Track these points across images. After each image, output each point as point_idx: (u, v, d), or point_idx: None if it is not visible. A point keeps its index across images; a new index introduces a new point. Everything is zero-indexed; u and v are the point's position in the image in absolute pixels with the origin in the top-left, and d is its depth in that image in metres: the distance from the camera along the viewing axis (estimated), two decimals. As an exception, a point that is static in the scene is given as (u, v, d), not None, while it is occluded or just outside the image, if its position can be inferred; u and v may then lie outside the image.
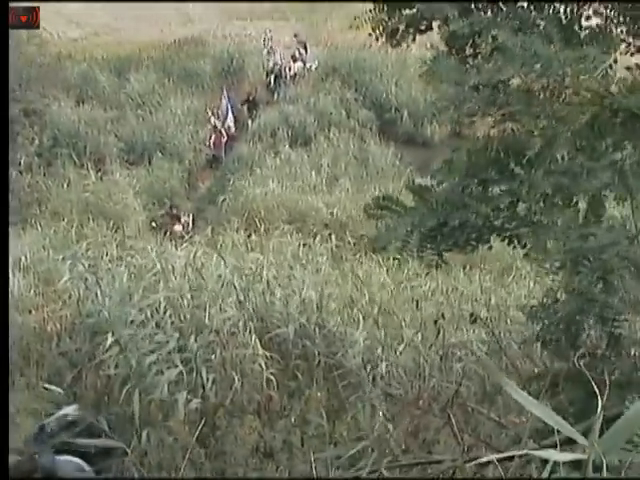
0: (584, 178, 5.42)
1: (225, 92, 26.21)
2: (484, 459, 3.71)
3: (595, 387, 2.69)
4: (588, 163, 5.41)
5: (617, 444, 2.33)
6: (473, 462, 4.72)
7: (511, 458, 3.80)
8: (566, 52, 5.51)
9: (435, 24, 6.26)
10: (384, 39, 6.51)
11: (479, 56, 5.96)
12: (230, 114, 25.77)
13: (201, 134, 25.21)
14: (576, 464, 2.32)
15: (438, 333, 9.18)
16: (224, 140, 25.13)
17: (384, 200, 6.34)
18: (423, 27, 6.35)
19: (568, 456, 2.34)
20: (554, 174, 5.69)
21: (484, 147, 5.91)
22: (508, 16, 5.90)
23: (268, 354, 9.90)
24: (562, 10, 5.95)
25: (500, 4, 6.11)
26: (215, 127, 25.24)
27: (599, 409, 2.40)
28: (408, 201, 6.55)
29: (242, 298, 10.89)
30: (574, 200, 5.77)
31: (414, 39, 6.47)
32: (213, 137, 25.14)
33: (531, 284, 13.79)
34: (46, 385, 8.74)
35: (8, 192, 4.68)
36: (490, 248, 6.25)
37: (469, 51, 6.09)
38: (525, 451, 2.94)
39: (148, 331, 9.90)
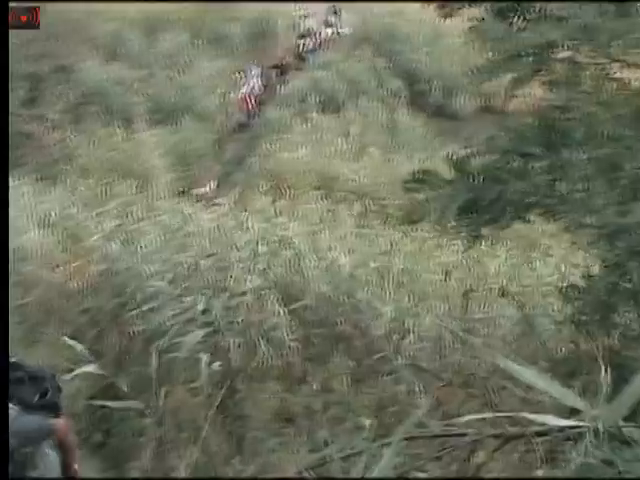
0: (627, 157, 5.34)
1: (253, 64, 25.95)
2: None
3: (601, 360, 2.66)
4: (631, 142, 5.32)
5: (620, 412, 2.30)
6: (497, 435, 4.67)
7: (540, 434, 3.74)
8: (615, 23, 5.39)
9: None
10: (435, 9, 6.45)
11: (526, 22, 5.87)
12: (256, 80, 25.54)
13: (230, 97, 25.09)
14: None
15: (466, 307, 9.12)
16: (250, 105, 24.99)
17: (423, 174, 6.30)
18: None
19: (566, 422, 2.32)
20: (598, 152, 5.61)
21: (530, 123, 5.84)
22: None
23: (292, 320, 9.90)
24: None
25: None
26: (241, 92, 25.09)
27: (602, 377, 2.38)
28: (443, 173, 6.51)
29: (268, 263, 10.87)
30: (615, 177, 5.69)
31: (465, 4, 6.38)
32: (239, 101, 25.03)
33: (554, 261, 13.63)
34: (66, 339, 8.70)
35: (8, 189, 4.65)
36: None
37: (516, 18, 5.99)
38: (521, 414, 2.90)
39: (174, 291, 9.91)
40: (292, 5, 29.21)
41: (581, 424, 2.23)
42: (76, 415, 9.22)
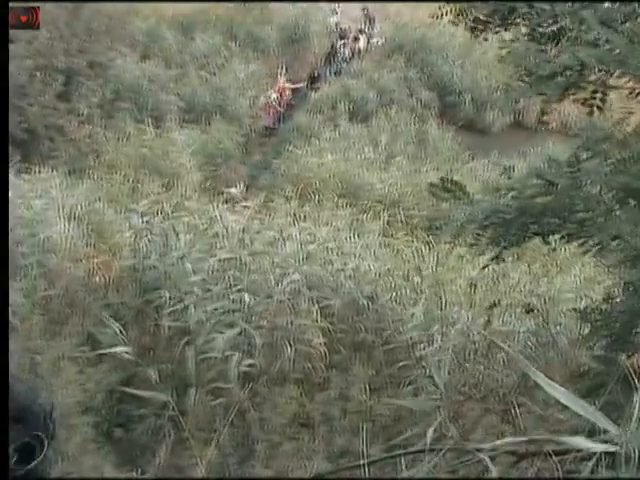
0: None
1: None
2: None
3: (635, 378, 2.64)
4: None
5: None
6: (513, 452, 4.68)
7: (557, 453, 3.75)
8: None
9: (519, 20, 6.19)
10: (466, 29, 6.47)
11: (559, 44, 5.90)
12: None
13: (262, 100, 25.18)
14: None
15: (488, 320, 9.13)
16: (276, 110, 25.01)
17: (450, 184, 6.33)
18: (509, 20, 6.26)
19: (599, 447, 2.30)
20: (624, 174, 5.63)
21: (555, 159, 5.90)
22: (594, 9, 5.81)
23: (319, 325, 9.96)
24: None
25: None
26: (269, 99, 25.08)
27: (636, 400, 2.36)
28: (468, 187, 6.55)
29: (294, 267, 10.93)
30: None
31: (497, 32, 6.41)
32: (266, 106, 25.08)
33: (577, 279, 13.56)
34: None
35: (8, 187, 4.66)
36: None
37: (550, 41, 6.02)
38: (553, 437, 2.90)
39: (201, 291, 9.97)
40: (327, 11, 29.28)
41: (614, 449, 2.22)
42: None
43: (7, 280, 5.74)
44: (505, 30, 6.34)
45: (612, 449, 2.22)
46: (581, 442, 2.35)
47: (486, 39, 6.53)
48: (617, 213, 5.82)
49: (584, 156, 5.91)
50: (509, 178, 6.36)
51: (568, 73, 5.78)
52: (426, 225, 16.46)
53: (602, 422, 2.34)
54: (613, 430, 2.28)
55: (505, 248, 6.28)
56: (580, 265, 14.11)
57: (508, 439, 3.47)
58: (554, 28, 5.79)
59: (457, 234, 6.51)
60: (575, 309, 7.44)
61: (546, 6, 5.89)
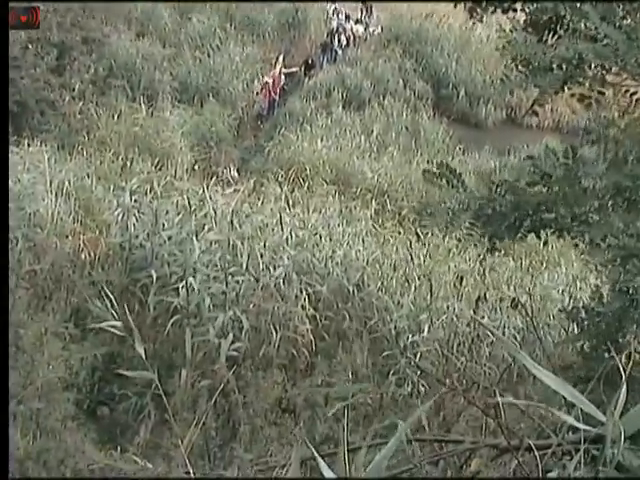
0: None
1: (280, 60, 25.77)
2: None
3: (620, 364, 2.63)
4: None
5: (637, 423, 2.28)
6: (494, 445, 4.67)
7: (539, 448, 3.74)
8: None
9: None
10: (465, 9, 6.44)
11: (556, 34, 5.89)
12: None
13: (257, 84, 25.10)
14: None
15: (474, 313, 9.14)
16: (272, 93, 24.88)
17: (446, 169, 6.30)
18: (506, 5, 6.24)
19: (586, 427, 2.30)
20: (618, 174, 5.63)
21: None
22: (595, 4, 5.79)
23: (305, 312, 9.96)
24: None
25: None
26: (266, 83, 24.95)
27: (623, 387, 2.35)
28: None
29: (283, 251, 10.92)
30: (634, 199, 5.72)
31: (494, 11, 6.37)
32: (260, 92, 24.96)
33: (564, 277, 13.59)
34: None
35: (8, 185, 4.61)
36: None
37: (549, 32, 6.00)
38: (547, 408, 2.90)
39: (190, 273, 9.95)
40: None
41: (601, 432, 2.22)
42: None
43: (7, 287, 5.69)
44: (503, 13, 6.31)
45: (601, 432, 2.22)
46: (571, 420, 2.35)
47: (481, 21, 6.50)
48: (610, 211, 5.82)
49: (584, 144, 5.90)
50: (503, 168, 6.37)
51: (565, 66, 5.76)
52: (415, 216, 16.53)
53: (589, 408, 2.33)
54: (598, 416, 2.28)
55: (499, 240, 6.27)
56: (566, 262, 14.17)
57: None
58: (552, 15, 5.75)
59: (450, 221, 6.49)
60: (561, 309, 7.42)
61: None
